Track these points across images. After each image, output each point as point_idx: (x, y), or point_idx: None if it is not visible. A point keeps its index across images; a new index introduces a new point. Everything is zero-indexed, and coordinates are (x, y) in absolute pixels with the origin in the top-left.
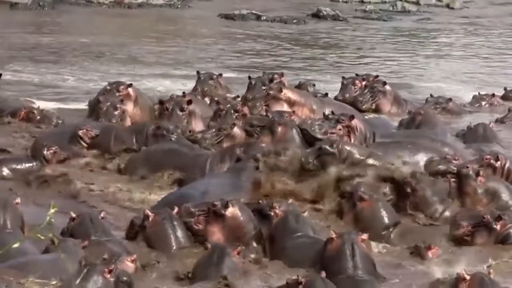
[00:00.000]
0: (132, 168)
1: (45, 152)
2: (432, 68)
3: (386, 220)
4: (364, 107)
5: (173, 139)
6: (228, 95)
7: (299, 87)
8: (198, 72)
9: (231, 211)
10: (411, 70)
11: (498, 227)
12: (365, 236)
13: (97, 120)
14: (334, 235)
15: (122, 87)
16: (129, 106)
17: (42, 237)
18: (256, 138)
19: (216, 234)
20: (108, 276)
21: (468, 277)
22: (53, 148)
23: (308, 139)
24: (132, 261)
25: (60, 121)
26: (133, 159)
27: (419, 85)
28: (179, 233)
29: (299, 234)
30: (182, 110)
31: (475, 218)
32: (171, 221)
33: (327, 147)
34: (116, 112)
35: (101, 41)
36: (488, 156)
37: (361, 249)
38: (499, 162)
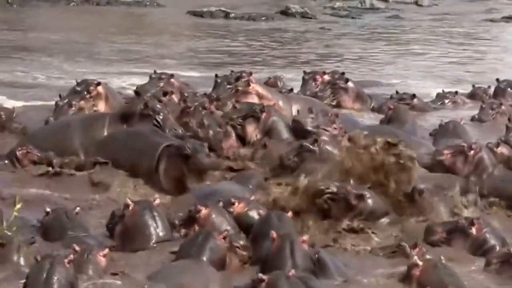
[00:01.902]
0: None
1: (17, 152)
2: (400, 65)
3: None
4: (324, 103)
5: (159, 120)
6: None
7: (268, 83)
8: (216, 76)
9: (203, 213)
10: (379, 66)
11: (473, 231)
12: (306, 237)
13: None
14: (275, 235)
15: (91, 87)
16: (101, 105)
17: (9, 233)
18: (241, 130)
19: None
20: (68, 266)
21: (420, 263)
22: (26, 148)
23: (298, 131)
24: (104, 256)
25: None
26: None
27: (387, 82)
28: (159, 225)
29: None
30: (204, 109)
31: (450, 223)
32: (152, 212)
33: (309, 145)
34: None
35: (70, 38)
36: (463, 144)
37: (300, 248)
38: (472, 152)
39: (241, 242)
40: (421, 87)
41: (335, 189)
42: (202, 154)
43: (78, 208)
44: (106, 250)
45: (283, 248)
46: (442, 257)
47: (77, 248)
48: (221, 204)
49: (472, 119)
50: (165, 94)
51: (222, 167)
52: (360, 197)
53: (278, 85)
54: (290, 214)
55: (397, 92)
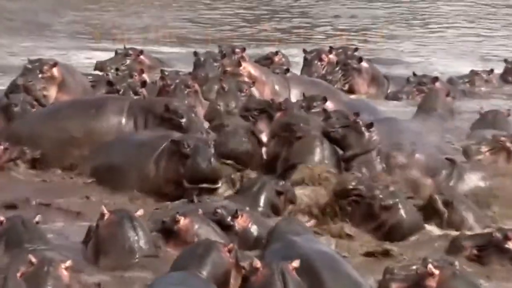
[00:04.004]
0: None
1: None
2: (424, 41)
3: None
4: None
5: (182, 124)
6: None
7: (260, 62)
8: (196, 54)
9: (183, 224)
10: (399, 43)
11: (511, 246)
12: (296, 263)
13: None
14: (259, 265)
15: (46, 67)
16: (52, 91)
17: None
18: (252, 123)
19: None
20: (20, 280)
21: (436, 272)
22: (3, 145)
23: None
24: (67, 268)
25: None
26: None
27: (408, 61)
28: (141, 238)
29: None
30: (187, 87)
31: (481, 237)
32: (131, 222)
33: (361, 122)
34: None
35: (26, 9)
36: (504, 138)
37: (293, 278)
38: None
39: (247, 263)
40: (448, 66)
41: (363, 190)
42: (203, 157)
43: (38, 216)
44: (69, 262)
45: (272, 281)
46: (456, 264)
47: (34, 260)
48: (200, 212)
49: None
50: (131, 75)
51: (219, 179)
52: (387, 208)
53: (277, 62)
54: (312, 222)
55: (414, 75)
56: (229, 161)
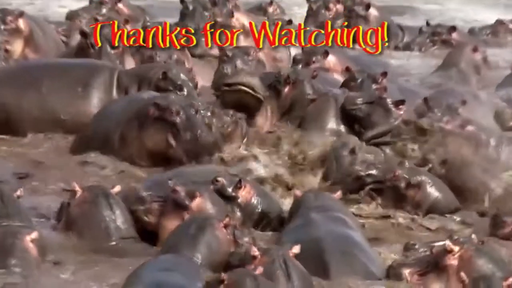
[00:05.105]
0: None
1: None
2: None
3: None
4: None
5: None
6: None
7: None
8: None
9: (198, 202)
10: None
11: None
12: (296, 249)
13: None
14: (256, 253)
15: (9, 17)
16: (17, 45)
17: None
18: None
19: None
20: None
21: (456, 248)
22: None
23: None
24: (32, 241)
25: None
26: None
27: (423, 8)
28: (118, 218)
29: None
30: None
31: None
32: (107, 200)
33: (388, 100)
34: None
35: None
36: None
37: (295, 266)
38: None
39: (246, 239)
40: (468, 14)
41: (378, 174)
42: (201, 128)
43: (20, 190)
44: (35, 234)
45: (273, 270)
46: (473, 236)
47: None
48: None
49: None
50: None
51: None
52: (416, 186)
53: (271, 13)
54: (339, 193)
55: (428, 24)
56: None
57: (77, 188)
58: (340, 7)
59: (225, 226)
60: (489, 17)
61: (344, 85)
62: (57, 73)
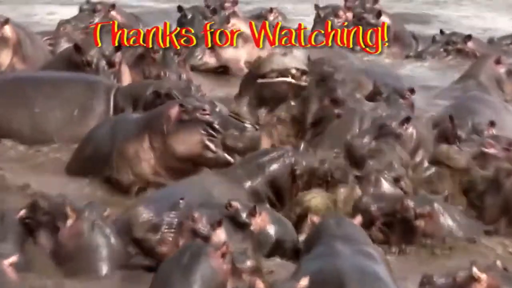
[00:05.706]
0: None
1: None
2: None
3: None
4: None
5: None
6: None
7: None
8: (180, 9)
9: (218, 233)
10: None
11: None
12: (304, 281)
13: None
14: (261, 285)
15: None
16: (4, 55)
17: None
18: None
19: None
20: None
21: (483, 277)
22: None
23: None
24: (11, 264)
25: None
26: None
27: (438, 15)
28: (113, 247)
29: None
30: (111, 65)
31: None
32: (102, 229)
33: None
34: None
35: None
36: None
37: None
38: None
39: (249, 263)
40: (486, 22)
41: (385, 208)
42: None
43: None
44: (14, 257)
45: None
46: (498, 262)
47: None
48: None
49: None
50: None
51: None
52: (426, 216)
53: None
54: (359, 218)
55: (442, 32)
56: None
57: (69, 212)
58: (350, 15)
59: (223, 255)
60: (508, 25)
61: (369, 99)
62: (51, 91)
